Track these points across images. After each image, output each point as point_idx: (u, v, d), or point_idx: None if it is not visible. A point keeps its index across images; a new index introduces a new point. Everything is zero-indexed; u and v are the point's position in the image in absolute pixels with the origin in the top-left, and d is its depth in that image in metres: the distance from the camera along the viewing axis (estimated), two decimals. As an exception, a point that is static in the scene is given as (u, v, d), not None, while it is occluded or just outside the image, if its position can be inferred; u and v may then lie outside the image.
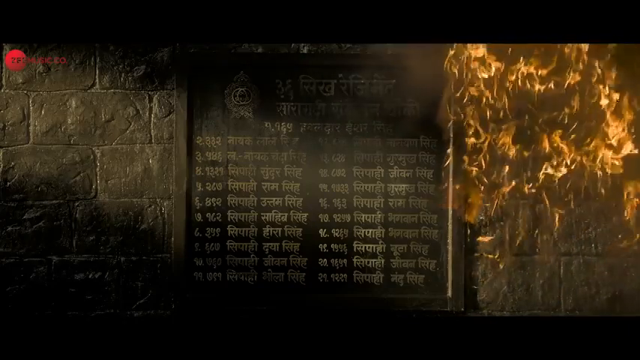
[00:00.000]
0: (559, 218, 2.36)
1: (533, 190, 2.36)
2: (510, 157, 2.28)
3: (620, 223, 2.35)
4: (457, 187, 2.35)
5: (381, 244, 2.39)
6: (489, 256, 2.39)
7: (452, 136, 2.35)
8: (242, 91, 2.41)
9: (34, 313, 2.36)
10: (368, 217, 2.39)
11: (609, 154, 2.13)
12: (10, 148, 2.39)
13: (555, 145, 2.22)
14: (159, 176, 2.40)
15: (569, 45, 2.01)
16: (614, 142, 2.10)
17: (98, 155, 2.40)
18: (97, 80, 2.41)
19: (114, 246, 2.40)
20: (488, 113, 2.21)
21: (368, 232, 2.39)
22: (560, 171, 2.25)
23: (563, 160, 2.23)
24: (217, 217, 2.40)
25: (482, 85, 2.15)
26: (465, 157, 2.30)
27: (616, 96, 2.04)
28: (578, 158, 2.19)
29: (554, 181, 2.31)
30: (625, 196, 2.26)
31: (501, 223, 2.40)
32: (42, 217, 2.39)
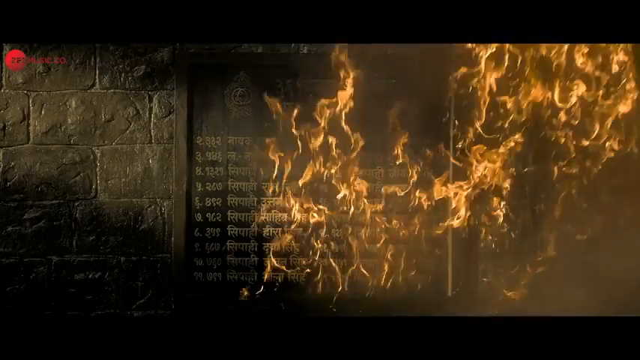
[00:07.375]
0: (560, 219, 2.35)
1: (534, 191, 2.36)
2: (511, 158, 2.29)
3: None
4: (457, 187, 2.35)
5: (381, 244, 2.39)
6: (489, 256, 2.39)
7: (452, 136, 2.34)
8: (242, 91, 2.41)
9: (34, 313, 2.36)
10: (368, 217, 2.39)
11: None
12: (10, 148, 2.39)
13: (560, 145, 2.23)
14: (159, 176, 2.40)
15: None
16: None
17: (98, 155, 2.40)
18: (97, 80, 2.40)
19: (114, 246, 2.40)
20: (489, 114, 2.21)
21: (368, 232, 2.39)
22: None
23: (566, 161, 2.24)
24: (217, 217, 2.40)
25: (483, 85, 2.15)
26: (465, 158, 2.30)
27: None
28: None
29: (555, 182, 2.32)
30: None
31: (502, 223, 2.39)
32: (42, 217, 2.39)
